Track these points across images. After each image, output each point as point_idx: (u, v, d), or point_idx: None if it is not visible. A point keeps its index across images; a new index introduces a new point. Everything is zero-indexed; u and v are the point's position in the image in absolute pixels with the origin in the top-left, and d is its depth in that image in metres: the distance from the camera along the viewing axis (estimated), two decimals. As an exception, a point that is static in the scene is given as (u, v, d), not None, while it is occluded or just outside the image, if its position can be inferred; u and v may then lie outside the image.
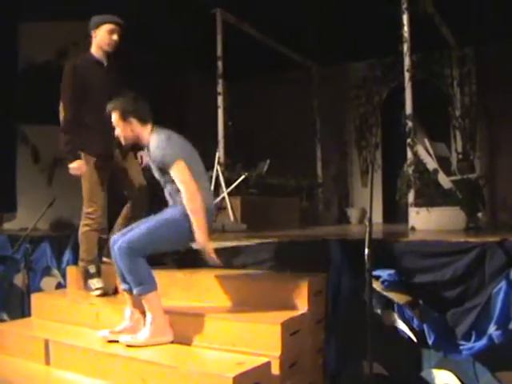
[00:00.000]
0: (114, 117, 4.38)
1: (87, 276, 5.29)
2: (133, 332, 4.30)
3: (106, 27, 5.11)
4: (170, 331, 4.27)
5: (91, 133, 5.10)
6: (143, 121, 4.36)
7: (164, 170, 4.28)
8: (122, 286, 4.42)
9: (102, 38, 5.13)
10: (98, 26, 5.13)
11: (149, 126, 4.38)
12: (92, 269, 5.26)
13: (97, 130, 5.07)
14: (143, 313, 4.32)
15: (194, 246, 4.49)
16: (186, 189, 4.17)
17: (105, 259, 5.40)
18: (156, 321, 4.21)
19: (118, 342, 4.25)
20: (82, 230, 5.25)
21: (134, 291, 4.19)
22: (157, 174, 4.44)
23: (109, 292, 5.26)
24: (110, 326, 4.58)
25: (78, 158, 5.05)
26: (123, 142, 4.48)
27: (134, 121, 4.34)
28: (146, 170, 5.00)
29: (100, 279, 5.26)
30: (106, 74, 5.18)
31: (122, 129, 4.38)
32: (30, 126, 9.05)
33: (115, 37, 5.13)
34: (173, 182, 4.26)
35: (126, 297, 4.41)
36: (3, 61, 8.56)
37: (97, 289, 5.21)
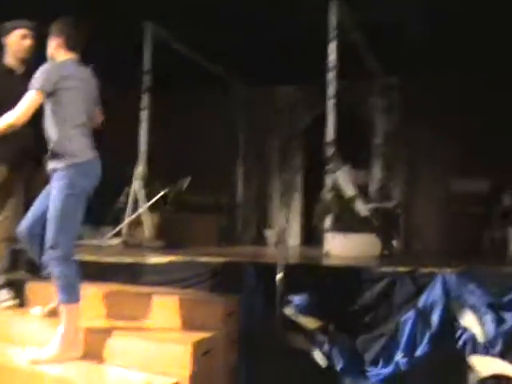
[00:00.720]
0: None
1: None
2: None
3: (18, 33, 4.96)
4: (79, 347, 4.18)
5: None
6: (68, 45, 4.34)
7: None
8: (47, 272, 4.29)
9: (14, 44, 4.98)
10: (8, 32, 4.98)
11: (70, 54, 4.35)
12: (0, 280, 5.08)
13: (5, 139, 4.90)
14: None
15: None
16: (19, 110, 4.08)
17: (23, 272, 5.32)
18: (67, 334, 4.10)
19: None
20: None
21: (59, 298, 4.12)
22: None
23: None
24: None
25: None
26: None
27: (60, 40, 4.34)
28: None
29: (8, 290, 5.06)
30: (19, 81, 4.86)
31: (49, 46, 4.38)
32: None
33: (28, 41, 4.98)
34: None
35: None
36: None
37: (4, 300, 5.01)
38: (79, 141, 4.25)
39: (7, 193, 5.02)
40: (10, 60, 5.05)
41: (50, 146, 4.26)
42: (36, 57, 5.03)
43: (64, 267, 4.09)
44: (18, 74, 5.03)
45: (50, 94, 4.14)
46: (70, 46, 4.34)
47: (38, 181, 4.99)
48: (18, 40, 4.97)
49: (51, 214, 4.15)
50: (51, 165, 4.26)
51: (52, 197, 4.20)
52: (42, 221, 4.24)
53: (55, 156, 4.21)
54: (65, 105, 4.19)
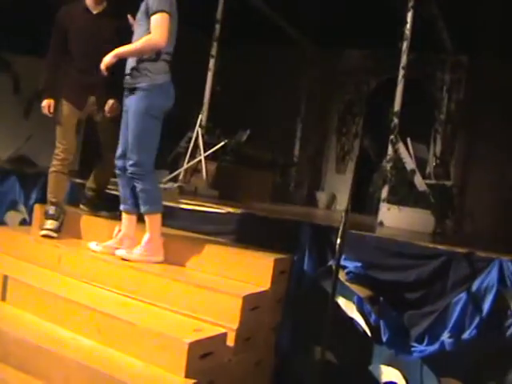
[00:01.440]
0: None
1: (45, 216, 5.25)
2: (119, 247, 4.64)
3: None
4: (162, 252, 4.63)
5: (67, 78, 5.19)
6: None
7: (145, 19, 4.38)
8: (122, 207, 4.73)
9: None
10: None
11: None
12: (51, 210, 5.22)
13: (73, 77, 5.17)
14: (131, 235, 4.73)
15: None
16: (153, 35, 4.29)
17: (81, 206, 5.51)
18: (153, 240, 4.56)
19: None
20: (50, 170, 5.25)
21: (143, 209, 4.51)
22: (136, 31, 4.51)
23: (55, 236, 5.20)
24: (71, 270, 4.62)
25: (49, 97, 5.14)
26: None
27: None
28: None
29: (55, 222, 5.19)
30: (94, 21, 5.12)
31: None
32: (15, 54, 8.84)
33: None
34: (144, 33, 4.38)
35: (124, 217, 4.75)
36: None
37: (44, 229, 5.15)
38: (162, 63, 4.46)
39: (67, 128, 5.19)
40: (88, 0, 5.15)
41: (134, 64, 4.45)
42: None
43: (147, 182, 4.47)
44: (94, 13, 5.16)
45: None
46: None
47: (105, 115, 5.20)
48: None
49: (133, 134, 4.42)
50: (131, 83, 4.46)
51: (132, 116, 4.42)
52: None
53: (137, 75, 4.41)
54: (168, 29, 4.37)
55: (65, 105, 5.16)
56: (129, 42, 4.51)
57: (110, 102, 5.12)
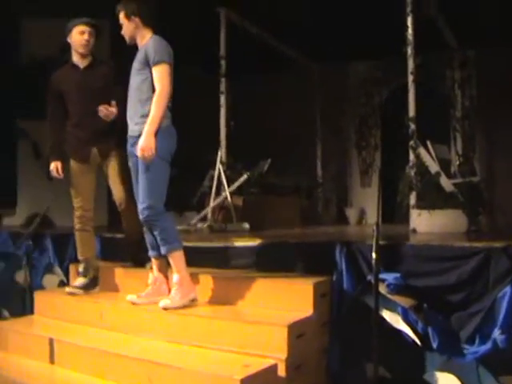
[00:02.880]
0: (120, 15, 4.66)
1: (77, 274, 5.38)
2: (157, 295, 4.71)
3: (77, 29, 5.20)
4: (194, 287, 4.68)
5: (69, 136, 5.30)
6: (145, 23, 4.63)
7: (144, 68, 4.50)
8: (150, 253, 4.82)
9: (75, 40, 5.22)
10: (70, 30, 5.24)
11: (150, 30, 4.65)
12: (80, 268, 5.33)
13: (71, 133, 5.28)
14: (166, 277, 4.81)
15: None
16: (161, 89, 4.43)
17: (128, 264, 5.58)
18: (183, 280, 4.57)
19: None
20: (74, 228, 5.36)
21: (164, 250, 4.53)
22: (134, 79, 4.62)
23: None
24: (114, 325, 4.67)
25: (55, 160, 5.28)
26: (127, 41, 4.72)
27: (136, 20, 4.60)
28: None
29: (83, 279, 5.28)
30: (83, 75, 5.25)
31: (125, 26, 4.66)
32: (31, 122, 9.00)
33: (86, 37, 5.20)
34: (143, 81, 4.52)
35: (153, 262, 4.84)
36: (5, 56, 8.52)
37: (70, 286, 5.29)
38: (166, 108, 4.53)
39: (79, 185, 5.29)
40: (74, 56, 5.29)
41: (136, 112, 4.56)
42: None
43: (161, 222, 4.52)
44: (82, 68, 5.29)
45: None
46: (149, 23, 4.65)
47: (112, 162, 5.26)
48: (77, 36, 5.20)
49: (144, 178, 4.48)
50: (136, 131, 4.54)
51: (141, 161, 4.47)
52: None
53: (141, 122, 4.48)
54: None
55: (72, 163, 5.28)
56: (117, 86, 4.91)
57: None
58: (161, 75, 4.42)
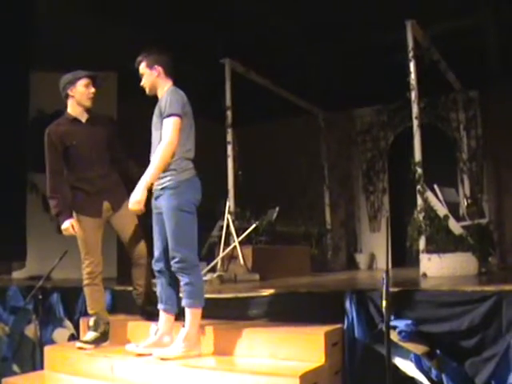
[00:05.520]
0: (142, 65, 4.72)
1: (87, 328, 5.31)
2: (158, 346, 4.65)
3: (82, 82, 5.09)
4: (200, 345, 4.65)
5: (77, 193, 5.15)
6: (167, 72, 4.70)
7: (161, 122, 4.53)
8: (159, 306, 4.77)
9: (80, 93, 5.08)
10: (73, 83, 5.08)
11: (170, 80, 4.72)
12: (90, 322, 5.26)
13: (81, 189, 5.14)
14: (170, 330, 4.76)
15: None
16: (166, 142, 4.43)
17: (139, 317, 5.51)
18: (191, 335, 4.55)
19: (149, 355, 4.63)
20: (83, 284, 5.24)
21: (187, 303, 4.52)
22: (154, 134, 4.66)
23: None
24: (125, 378, 4.61)
25: (68, 218, 5.04)
26: (147, 91, 4.75)
27: (159, 69, 4.67)
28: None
29: (93, 333, 5.20)
30: (86, 128, 5.14)
31: (146, 76, 4.71)
32: (40, 175, 9.05)
33: (92, 89, 5.14)
34: None
35: (161, 315, 4.77)
36: (14, 110, 8.60)
37: (80, 341, 5.22)
38: (185, 161, 4.58)
39: (92, 242, 5.18)
40: (75, 109, 5.15)
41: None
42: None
43: (193, 276, 4.51)
44: (84, 121, 5.19)
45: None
46: (169, 73, 4.72)
47: (125, 212, 5.11)
48: (84, 89, 5.09)
49: (171, 231, 4.48)
50: (159, 184, 4.56)
51: (167, 215, 4.50)
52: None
53: (163, 175, 4.51)
54: (183, 129, 4.53)
55: (83, 220, 5.11)
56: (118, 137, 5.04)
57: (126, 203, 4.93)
58: (168, 128, 4.44)
